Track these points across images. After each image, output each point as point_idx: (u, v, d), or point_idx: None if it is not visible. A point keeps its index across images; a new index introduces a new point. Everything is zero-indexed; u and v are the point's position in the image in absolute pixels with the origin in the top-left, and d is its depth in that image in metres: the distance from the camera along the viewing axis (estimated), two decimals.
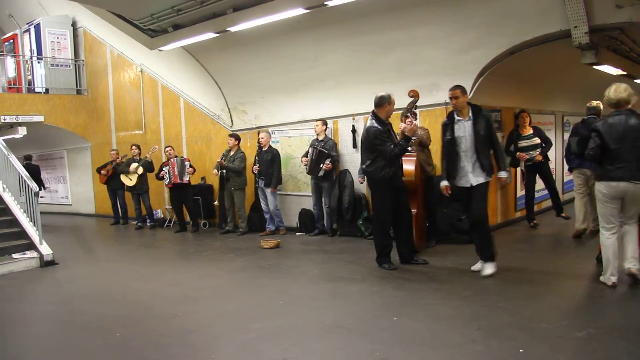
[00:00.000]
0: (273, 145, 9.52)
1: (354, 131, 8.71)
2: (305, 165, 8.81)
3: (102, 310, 5.45)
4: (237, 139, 9.70)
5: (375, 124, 6.09)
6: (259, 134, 9.64)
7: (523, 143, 8.19)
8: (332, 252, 7.67)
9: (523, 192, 8.70)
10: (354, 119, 8.73)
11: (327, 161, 8.48)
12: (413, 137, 6.25)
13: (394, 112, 6.33)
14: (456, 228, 7.51)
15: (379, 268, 6.35)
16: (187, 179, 10.34)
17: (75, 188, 15.35)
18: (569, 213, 8.21)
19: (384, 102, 6.16)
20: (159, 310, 5.39)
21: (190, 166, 10.40)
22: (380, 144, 6.01)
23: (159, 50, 9.46)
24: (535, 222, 8.49)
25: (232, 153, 9.58)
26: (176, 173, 10.25)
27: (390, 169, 6.09)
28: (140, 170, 11.07)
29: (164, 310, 5.32)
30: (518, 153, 8.18)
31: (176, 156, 10.53)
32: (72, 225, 13.23)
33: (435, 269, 6.17)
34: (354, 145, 8.72)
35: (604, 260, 5.09)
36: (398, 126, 6.33)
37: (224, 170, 9.56)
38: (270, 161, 9.19)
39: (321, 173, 8.57)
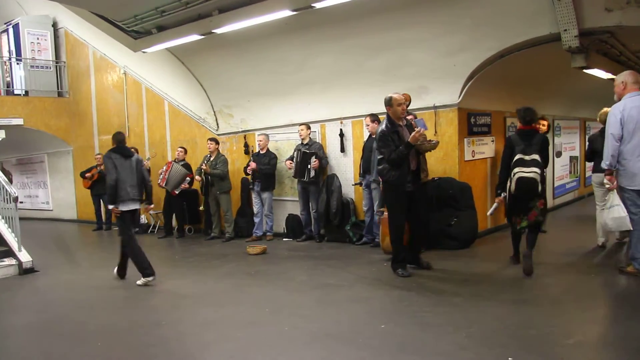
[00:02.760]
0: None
1: (341, 135, 8.63)
2: (291, 169, 8.70)
3: (83, 319, 5.30)
4: (217, 142, 9.67)
5: (384, 125, 5.92)
6: (245, 137, 9.53)
7: None
8: (320, 258, 7.56)
9: None
10: (341, 122, 8.64)
11: (313, 159, 8.35)
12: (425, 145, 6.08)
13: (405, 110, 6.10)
14: (446, 234, 7.43)
15: (367, 274, 6.31)
16: (177, 192, 10.04)
17: (56, 193, 15.03)
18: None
19: (386, 105, 5.96)
20: (142, 318, 5.26)
21: (188, 183, 10.16)
22: (382, 146, 5.85)
23: (143, 52, 9.30)
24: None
25: (212, 158, 9.47)
26: (166, 177, 10.01)
27: (396, 172, 5.84)
28: None
29: (148, 318, 5.21)
30: None
31: (182, 160, 10.29)
32: (53, 231, 12.95)
33: (424, 275, 6.07)
34: (342, 150, 8.64)
35: (597, 227, 6.94)
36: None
37: (208, 176, 9.44)
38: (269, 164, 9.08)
39: (312, 174, 8.42)
